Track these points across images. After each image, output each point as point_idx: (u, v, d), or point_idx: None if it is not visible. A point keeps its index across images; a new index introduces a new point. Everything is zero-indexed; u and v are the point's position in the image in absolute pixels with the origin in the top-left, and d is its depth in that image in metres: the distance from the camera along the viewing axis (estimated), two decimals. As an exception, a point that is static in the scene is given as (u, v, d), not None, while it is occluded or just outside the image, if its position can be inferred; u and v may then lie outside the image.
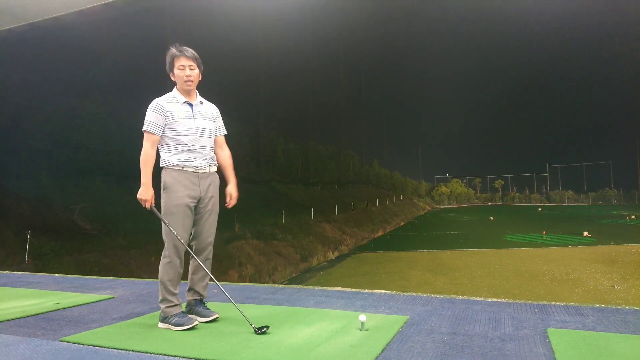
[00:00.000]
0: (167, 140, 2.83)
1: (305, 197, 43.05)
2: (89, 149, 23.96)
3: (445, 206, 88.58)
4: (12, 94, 20.63)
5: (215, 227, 2.97)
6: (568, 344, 2.31)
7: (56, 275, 5.65)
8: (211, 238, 2.94)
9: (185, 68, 2.81)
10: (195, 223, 2.88)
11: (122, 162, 24.94)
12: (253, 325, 2.59)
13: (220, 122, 3.07)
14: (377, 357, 2.18)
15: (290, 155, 50.06)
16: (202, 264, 2.86)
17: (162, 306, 2.79)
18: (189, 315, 2.84)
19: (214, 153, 3.00)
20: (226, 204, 2.97)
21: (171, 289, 2.79)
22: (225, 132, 3.11)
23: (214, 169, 2.97)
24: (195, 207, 2.86)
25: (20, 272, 6.08)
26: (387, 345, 2.35)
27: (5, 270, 6.67)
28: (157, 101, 2.84)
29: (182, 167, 2.81)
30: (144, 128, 2.81)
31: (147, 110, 2.83)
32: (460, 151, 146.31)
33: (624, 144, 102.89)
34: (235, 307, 2.77)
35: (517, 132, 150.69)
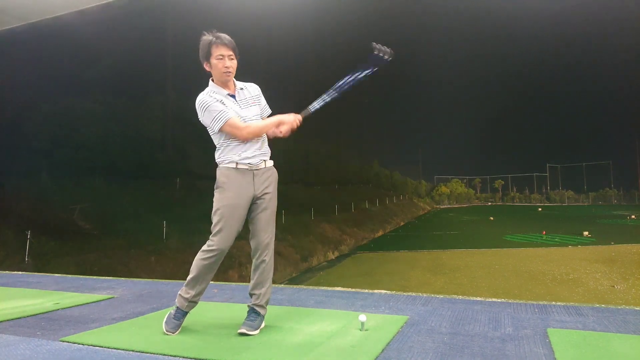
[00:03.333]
0: (215, 137, 2.66)
1: (305, 197, 43.01)
2: (89, 149, 23.94)
3: (445, 206, 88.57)
4: (12, 94, 20.65)
5: (272, 226, 2.73)
6: (568, 344, 2.30)
7: (56, 275, 5.64)
8: (267, 237, 2.69)
9: (225, 58, 2.58)
10: (251, 222, 2.72)
11: (122, 162, 25.01)
12: None
13: (263, 101, 2.84)
14: (377, 357, 2.18)
15: (290, 155, 50.07)
16: (257, 265, 2.69)
17: (180, 291, 2.65)
18: (181, 322, 2.68)
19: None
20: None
21: (191, 283, 2.63)
22: (270, 111, 2.86)
23: (270, 163, 2.77)
24: (251, 206, 2.68)
25: (20, 272, 6.07)
26: (387, 345, 2.35)
27: (5, 270, 6.67)
28: (204, 96, 2.61)
29: (236, 165, 2.63)
30: (223, 120, 2.54)
31: (203, 108, 2.58)
32: (460, 151, 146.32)
33: (624, 144, 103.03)
34: (235, 307, 2.77)
35: (517, 132, 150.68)
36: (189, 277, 2.65)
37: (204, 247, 2.61)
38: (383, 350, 2.27)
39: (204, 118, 2.62)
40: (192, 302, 2.68)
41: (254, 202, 2.69)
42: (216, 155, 2.72)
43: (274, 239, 2.77)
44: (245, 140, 2.62)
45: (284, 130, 2.67)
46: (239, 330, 2.60)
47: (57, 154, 22.23)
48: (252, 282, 2.74)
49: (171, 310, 2.71)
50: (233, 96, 2.69)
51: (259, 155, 2.70)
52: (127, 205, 21.97)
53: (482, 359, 2.13)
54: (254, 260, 2.73)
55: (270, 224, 2.73)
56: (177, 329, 2.66)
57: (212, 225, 2.61)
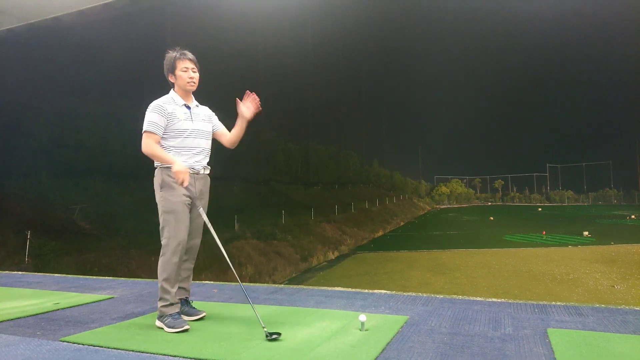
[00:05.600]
0: (166, 142, 2.86)
1: (305, 197, 43.04)
2: (89, 149, 23.95)
3: (445, 206, 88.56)
4: (12, 94, 20.63)
5: (202, 229, 3.03)
6: (568, 344, 2.30)
7: (56, 275, 5.65)
8: (199, 239, 3.04)
9: (189, 70, 2.91)
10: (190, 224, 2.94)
11: (122, 162, 25.00)
12: (265, 329, 2.51)
13: (216, 119, 3.17)
14: (377, 357, 2.18)
15: (290, 155, 50.02)
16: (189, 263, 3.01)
17: (159, 304, 2.78)
18: (183, 317, 2.82)
19: (213, 147, 3.11)
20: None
21: (167, 287, 2.77)
22: (223, 127, 3.25)
23: (207, 171, 3.03)
24: (191, 208, 2.91)
25: (20, 272, 6.08)
26: (387, 345, 2.35)
27: (5, 270, 6.67)
28: (157, 102, 2.86)
29: None
30: (146, 128, 2.81)
31: (148, 111, 2.85)
32: (460, 151, 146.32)
33: (624, 144, 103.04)
34: (235, 307, 2.77)
35: (517, 132, 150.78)
36: (163, 285, 2.78)
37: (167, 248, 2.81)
38: (383, 350, 2.27)
39: (145, 116, 2.84)
40: (177, 302, 2.85)
41: (193, 204, 2.90)
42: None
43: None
44: (144, 152, 2.81)
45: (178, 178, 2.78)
46: (196, 318, 2.92)
47: (57, 154, 22.21)
48: (185, 281, 2.97)
49: (166, 321, 2.74)
50: (189, 108, 2.96)
51: (200, 166, 2.95)
52: (127, 205, 21.97)
53: (482, 359, 2.13)
54: (188, 258, 2.99)
55: (201, 230, 3.02)
56: (185, 322, 2.75)
57: (166, 223, 2.78)
